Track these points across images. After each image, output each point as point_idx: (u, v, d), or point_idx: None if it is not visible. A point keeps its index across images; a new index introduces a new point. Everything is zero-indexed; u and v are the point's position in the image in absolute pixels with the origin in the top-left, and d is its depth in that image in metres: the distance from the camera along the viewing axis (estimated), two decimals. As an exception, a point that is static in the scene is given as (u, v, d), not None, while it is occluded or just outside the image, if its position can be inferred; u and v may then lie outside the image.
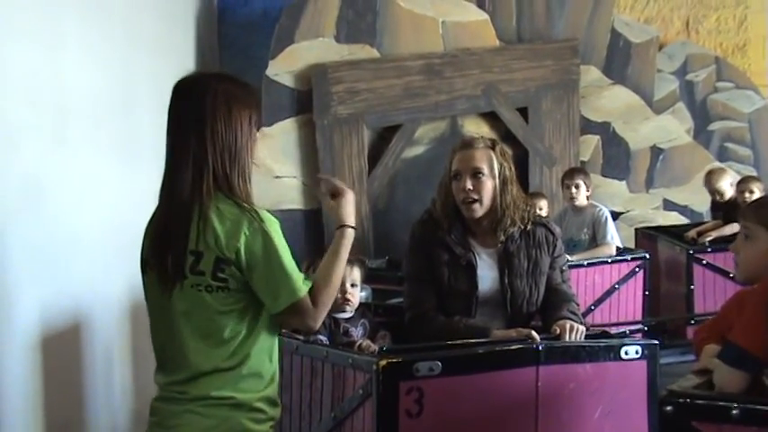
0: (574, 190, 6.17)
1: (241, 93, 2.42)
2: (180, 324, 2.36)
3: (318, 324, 2.41)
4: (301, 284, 2.34)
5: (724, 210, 6.63)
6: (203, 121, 2.36)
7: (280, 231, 2.36)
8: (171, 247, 2.35)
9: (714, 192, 6.70)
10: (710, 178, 6.78)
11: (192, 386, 2.37)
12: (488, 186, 3.21)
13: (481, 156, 3.23)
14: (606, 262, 6.05)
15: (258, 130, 2.46)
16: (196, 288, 2.32)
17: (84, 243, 4.28)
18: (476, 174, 3.21)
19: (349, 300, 3.36)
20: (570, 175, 6.34)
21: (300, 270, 2.39)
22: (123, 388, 4.87)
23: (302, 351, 3.20)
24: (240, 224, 2.30)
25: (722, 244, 6.41)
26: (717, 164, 7.94)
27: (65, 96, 4.12)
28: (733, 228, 6.45)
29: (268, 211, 2.38)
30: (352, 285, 3.37)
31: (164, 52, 6.16)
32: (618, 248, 6.27)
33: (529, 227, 3.29)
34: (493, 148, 3.26)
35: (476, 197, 3.21)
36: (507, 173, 3.25)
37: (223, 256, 2.29)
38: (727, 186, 6.63)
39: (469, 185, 3.20)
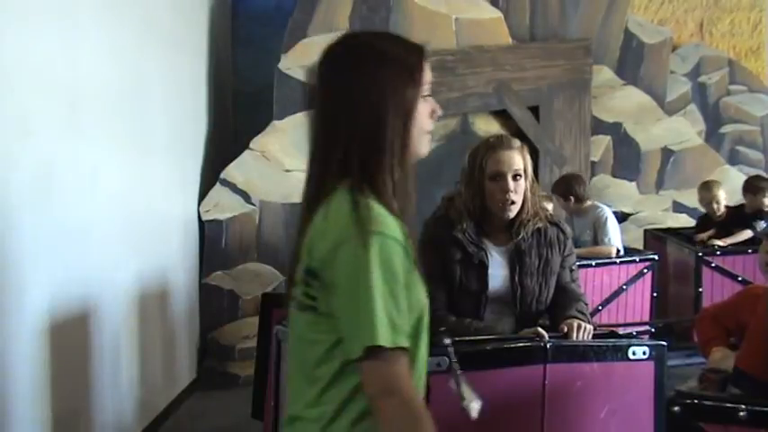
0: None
1: (394, 49, 1.79)
2: (291, 348, 1.82)
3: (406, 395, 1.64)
4: (387, 332, 1.63)
5: (729, 220, 6.62)
6: (339, 90, 1.77)
7: (393, 255, 1.66)
8: (294, 252, 1.79)
9: (712, 200, 6.66)
10: (710, 186, 6.76)
11: None
12: (524, 187, 3.23)
13: (519, 157, 3.24)
14: (615, 262, 6.04)
15: (422, 98, 1.79)
16: (294, 303, 1.77)
17: (94, 232, 4.29)
18: (516, 175, 3.22)
19: None
20: (552, 188, 6.41)
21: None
22: (130, 376, 4.89)
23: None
24: (337, 225, 1.67)
25: (732, 247, 6.42)
26: (726, 166, 7.95)
27: (78, 85, 4.13)
28: (746, 234, 6.45)
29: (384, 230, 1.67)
30: None
31: (177, 44, 6.17)
32: (626, 249, 6.25)
33: (540, 224, 3.29)
34: (522, 148, 3.28)
35: (516, 198, 3.23)
36: (531, 172, 3.28)
37: (310, 266, 1.70)
38: (723, 196, 6.64)
39: (512, 187, 3.21)
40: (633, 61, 8.01)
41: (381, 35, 1.86)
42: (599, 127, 7.88)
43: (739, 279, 6.34)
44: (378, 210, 1.68)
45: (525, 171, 3.25)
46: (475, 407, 2.08)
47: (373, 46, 1.79)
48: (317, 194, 1.75)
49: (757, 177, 6.83)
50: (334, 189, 1.72)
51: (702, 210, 6.99)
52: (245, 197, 6.81)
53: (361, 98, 1.74)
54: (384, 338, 1.62)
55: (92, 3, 4.33)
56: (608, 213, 6.11)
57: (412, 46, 1.81)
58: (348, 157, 1.73)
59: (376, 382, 1.63)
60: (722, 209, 6.67)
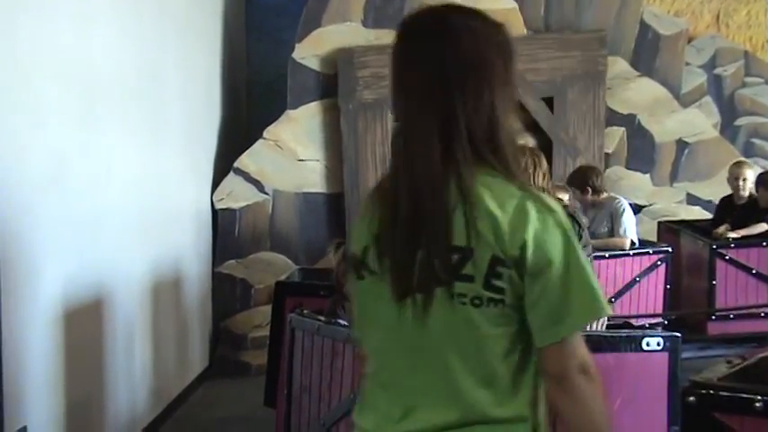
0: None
1: (494, 30, 1.71)
2: (438, 349, 1.65)
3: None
4: (606, 304, 1.65)
5: (742, 211, 6.59)
6: (481, 66, 1.67)
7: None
8: (423, 241, 1.61)
9: (740, 176, 6.62)
10: (740, 163, 6.79)
11: None
12: None
13: None
14: (628, 254, 6.02)
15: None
16: (459, 300, 1.62)
17: (108, 220, 4.30)
18: None
19: None
20: (568, 180, 6.32)
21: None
22: (143, 364, 4.90)
23: (324, 332, 3.20)
24: (522, 211, 1.62)
25: (745, 240, 6.40)
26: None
27: (93, 73, 4.14)
28: (760, 227, 6.42)
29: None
30: None
31: (191, 33, 6.17)
32: (640, 241, 6.23)
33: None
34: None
35: None
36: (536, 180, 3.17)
37: (504, 256, 1.60)
38: (751, 176, 6.61)
39: None
40: (648, 53, 7.96)
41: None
42: (613, 118, 7.84)
43: (753, 272, 6.31)
44: (538, 191, 1.67)
45: None
46: None
47: (493, 22, 1.70)
48: (446, 179, 1.62)
49: None
50: (469, 173, 1.62)
51: (714, 201, 6.99)
52: (259, 186, 6.81)
53: (500, 75, 1.66)
54: (608, 308, 1.65)
55: (107, -9, 4.33)
56: (625, 205, 6.08)
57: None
58: (493, 138, 1.65)
59: (573, 360, 1.61)
60: (747, 189, 6.60)
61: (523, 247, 1.58)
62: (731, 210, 6.70)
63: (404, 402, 1.66)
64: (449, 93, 1.63)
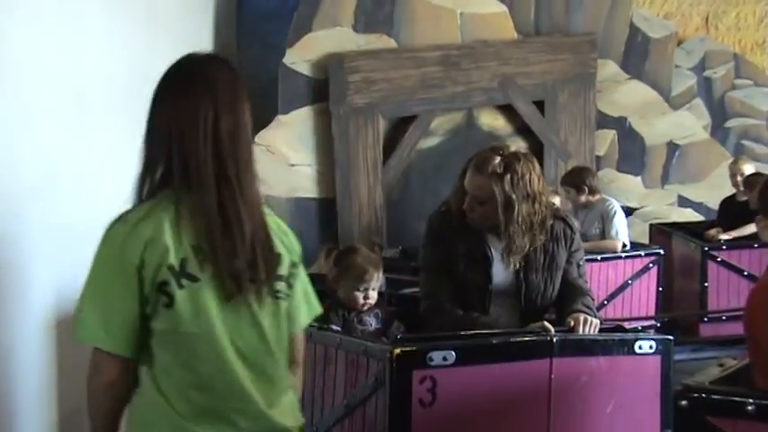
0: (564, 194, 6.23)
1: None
2: (268, 339, 2.01)
3: None
4: None
5: (737, 212, 6.61)
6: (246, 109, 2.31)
7: None
8: (253, 248, 1.98)
9: (737, 173, 6.66)
10: (737, 160, 6.85)
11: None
12: (488, 210, 3.17)
13: (484, 185, 3.14)
14: (620, 257, 6.03)
15: None
16: (276, 295, 2.04)
17: (100, 227, 4.28)
18: (477, 200, 3.19)
19: (369, 302, 3.40)
20: (563, 180, 6.35)
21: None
22: (136, 372, 4.88)
23: (315, 338, 3.20)
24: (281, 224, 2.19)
25: (737, 242, 6.41)
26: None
27: (84, 80, 4.13)
28: (750, 228, 6.43)
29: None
30: (372, 288, 3.41)
31: (183, 38, 6.16)
32: (631, 244, 6.24)
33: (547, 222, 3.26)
34: (504, 174, 3.15)
35: (475, 217, 3.21)
36: (513, 195, 3.12)
37: (295, 259, 2.11)
38: (749, 171, 6.66)
39: (469, 207, 3.20)
40: (638, 55, 7.99)
41: None
42: (604, 121, 7.87)
43: (745, 273, 6.32)
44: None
45: (494, 198, 3.14)
46: None
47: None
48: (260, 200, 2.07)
49: (755, 174, 6.83)
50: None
51: (706, 203, 7.00)
52: (250, 192, 6.80)
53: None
54: None
55: (97, -3, 4.33)
56: (617, 207, 6.09)
57: None
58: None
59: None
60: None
61: (299, 255, 2.12)
62: (733, 210, 6.73)
63: (242, 396, 1.95)
64: (238, 129, 2.23)
